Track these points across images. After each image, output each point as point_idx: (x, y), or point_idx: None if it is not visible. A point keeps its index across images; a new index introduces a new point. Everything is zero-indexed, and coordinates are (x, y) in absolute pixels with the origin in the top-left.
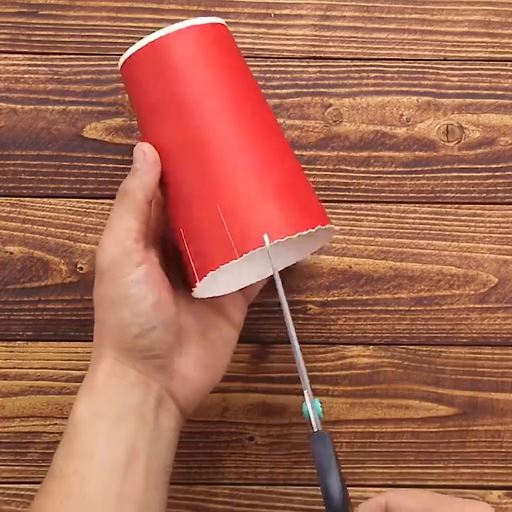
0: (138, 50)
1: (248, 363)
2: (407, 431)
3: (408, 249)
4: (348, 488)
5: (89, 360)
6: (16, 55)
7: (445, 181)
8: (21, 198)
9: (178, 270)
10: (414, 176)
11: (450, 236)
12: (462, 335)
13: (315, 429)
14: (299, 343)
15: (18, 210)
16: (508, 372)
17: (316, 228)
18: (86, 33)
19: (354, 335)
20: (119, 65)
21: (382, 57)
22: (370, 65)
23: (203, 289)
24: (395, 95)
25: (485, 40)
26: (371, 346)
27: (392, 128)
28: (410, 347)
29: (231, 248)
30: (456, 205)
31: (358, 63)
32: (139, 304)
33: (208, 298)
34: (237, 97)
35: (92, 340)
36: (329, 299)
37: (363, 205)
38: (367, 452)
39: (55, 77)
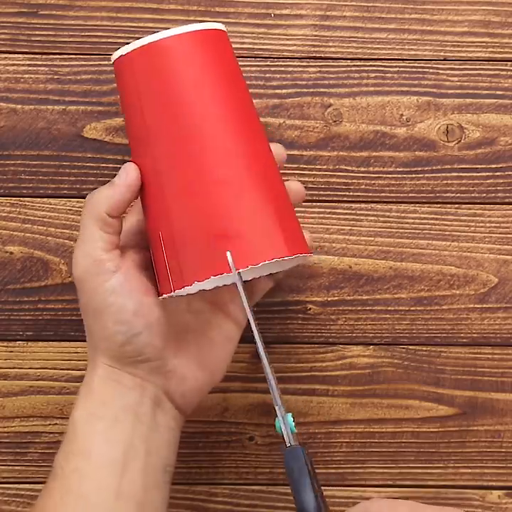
0: (133, 50)
1: (248, 363)
2: (407, 431)
3: (408, 249)
4: (349, 487)
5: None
6: (16, 55)
7: (445, 181)
8: (21, 198)
9: None
10: (414, 176)
11: (450, 236)
12: (462, 335)
13: (288, 444)
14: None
15: (18, 210)
16: (508, 372)
17: (295, 256)
18: (86, 33)
19: (354, 335)
20: (113, 59)
21: (382, 57)
22: (370, 65)
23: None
24: (395, 95)
25: (485, 40)
26: (371, 346)
27: (392, 128)
28: (410, 347)
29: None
30: (456, 205)
31: (358, 63)
32: (120, 313)
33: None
34: (229, 107)
35: None
36: (329, 299)
37: (363, 205)
38: (367, 452)
39: (55, 77)
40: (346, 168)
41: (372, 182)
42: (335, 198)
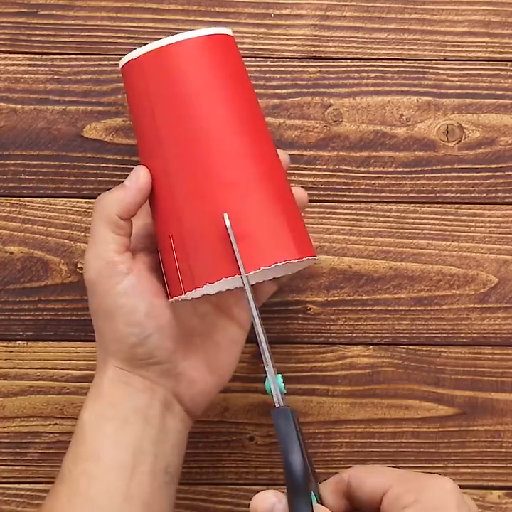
0: (144, 53)
1: (248, 363)
2: (407, 431)
3: (408, 249)
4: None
5: (89, 360)
6: (16, 55)
7: (445, 181)
8: (21, 198)
9: None
10: (414, 176)
11: (450, 236)
12: (462, 335)
13: (277, 405)
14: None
15: (18, 210)
16: (508, 372)
17: (305, 259)
18: (86, 33)
19: (354, 335)
20: (121, 64)
21: (382, 57)
22: (370, 65)
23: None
24: (395, 95)
25: (485, 40)
26: (371, 346)
27: (392, 128)
28: (410, 347)
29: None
30: (456, 205)
31: (358, 63)
32: (132, 314)
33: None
34: (237, 109)
35: (92, 340)
36: (329, 299)
37: (363, 205)
38: (367, 452)
39: (55, 77)
40: (346, 168)
41: (372, 182)
42: (335, 198)
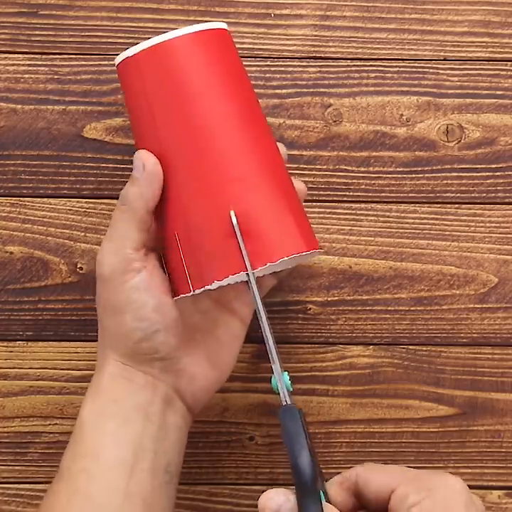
0: (139, 51)
1: (248, 363)
2: (407, 431)
3: (408, 249)
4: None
5: (89, 360)
6: (16, 55)
7: (445, 181)
8: (21, 198)
9: None
10: (414, 176)
11: (450, 236)
12: (462, 335)
13: (284, 403)
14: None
15: (18, 210)
16: (508, 372)
17: (311, 252)
18: (86, 33)
19: (354, 335)
20: (116, 63)
21: (382, 57)
22: (370, 65)
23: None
24: (395, 95)
25: (485, 40)
26: (371, 346)
27: (392, 128)
28: (410, 347)
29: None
30: (456, 205)
31: (358, 63)
32: (141, 309)
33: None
34: (237, 104)
35: (92, 341)
36: (329, 299)
37: (363, 205)
38: (367, 452)
39: (55, 77)
40: (346, 168)
41: (372, 182)
42: (335, 198)
